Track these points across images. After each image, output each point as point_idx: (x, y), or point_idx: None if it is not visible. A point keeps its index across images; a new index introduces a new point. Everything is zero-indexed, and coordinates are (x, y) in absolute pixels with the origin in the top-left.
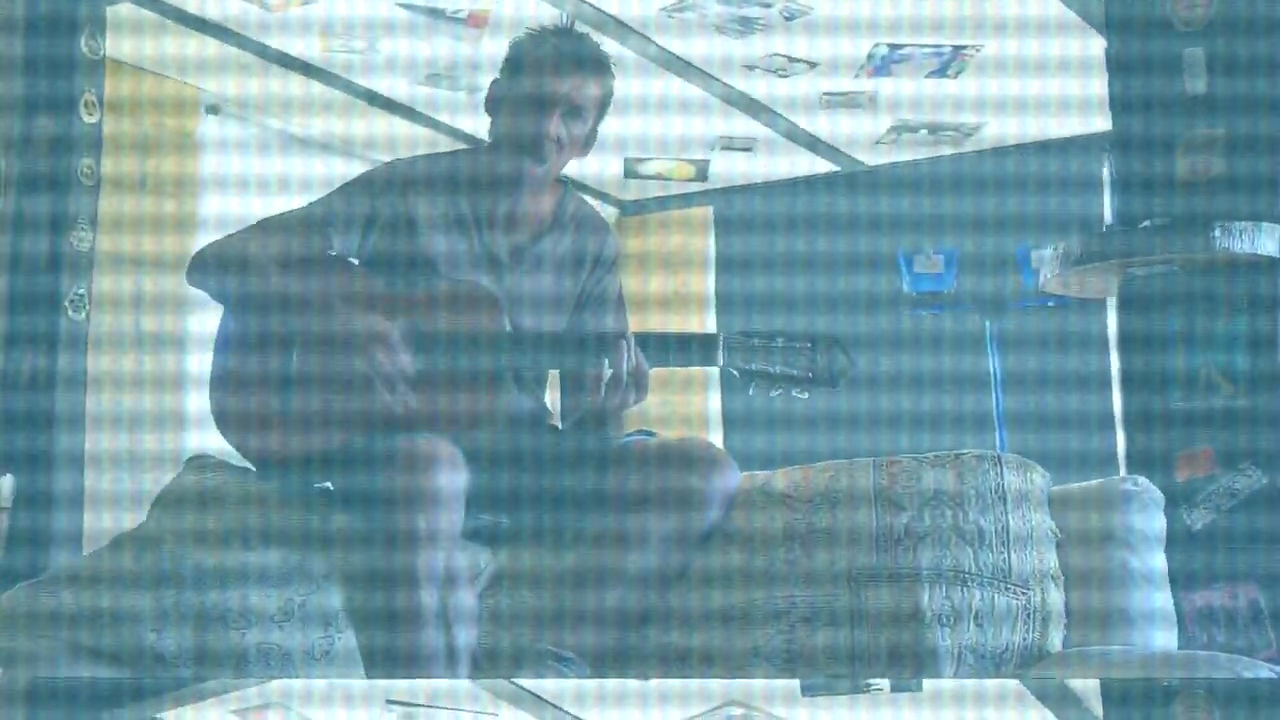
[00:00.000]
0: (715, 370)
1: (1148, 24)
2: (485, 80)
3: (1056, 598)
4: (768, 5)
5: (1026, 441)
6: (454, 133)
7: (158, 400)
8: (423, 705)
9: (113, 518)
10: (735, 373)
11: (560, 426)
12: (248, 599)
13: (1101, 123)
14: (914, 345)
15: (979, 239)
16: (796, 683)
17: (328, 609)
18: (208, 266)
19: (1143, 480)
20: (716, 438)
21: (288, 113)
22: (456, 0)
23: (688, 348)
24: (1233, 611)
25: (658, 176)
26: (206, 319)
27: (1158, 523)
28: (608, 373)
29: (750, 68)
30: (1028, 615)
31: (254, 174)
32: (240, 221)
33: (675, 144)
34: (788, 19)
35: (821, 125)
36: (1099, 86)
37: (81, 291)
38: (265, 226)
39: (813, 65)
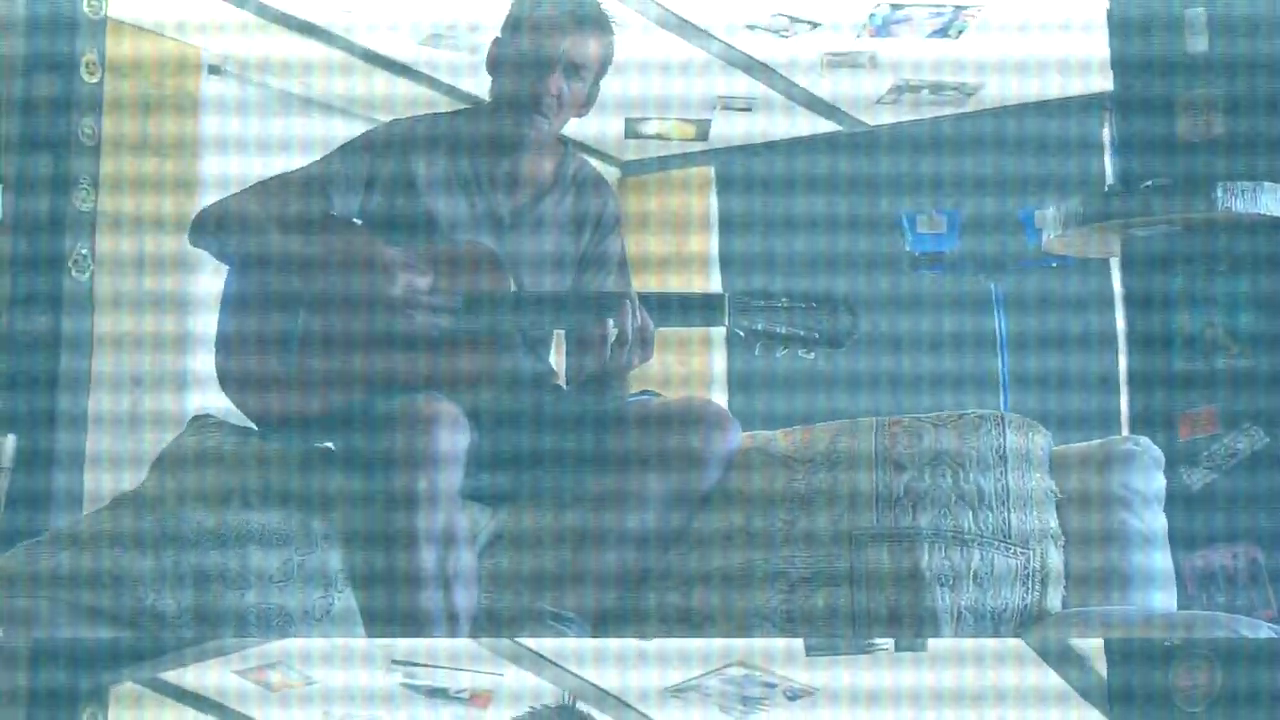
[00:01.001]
0: (720, 330)
1: None
2: (486, 40)
3: (1056, 558)
4: None
5: (1029, 401)
6: (455, 93)
7: (160, 361)
8: (425, 665)
9: (113, 479)
10: (740, 333)
11: (565, 387)
12: (247, 559)
13: (1103, 83)
14: (916, 306)
15: (981, 199)
16: (800, 642)
17: (327, 569)
18: (209, 227)
19: (1143, 440)
20: (720, 398)
21: (289, 73)
22: None
23: (692, 308)
24: (1233, 571)
25: (658, 136)
26: (209, 280)
27: (1158, 482)
28: (613, 332)
29: (752, 28)
30: (1027, 575)
31: (255, 135)
32: (242, 182)
33: (676, 104)
34: None
35: (823, 86)
36: (1100, 46)
37: (84, 251)
38: (266, 187)
39: (814, 26)
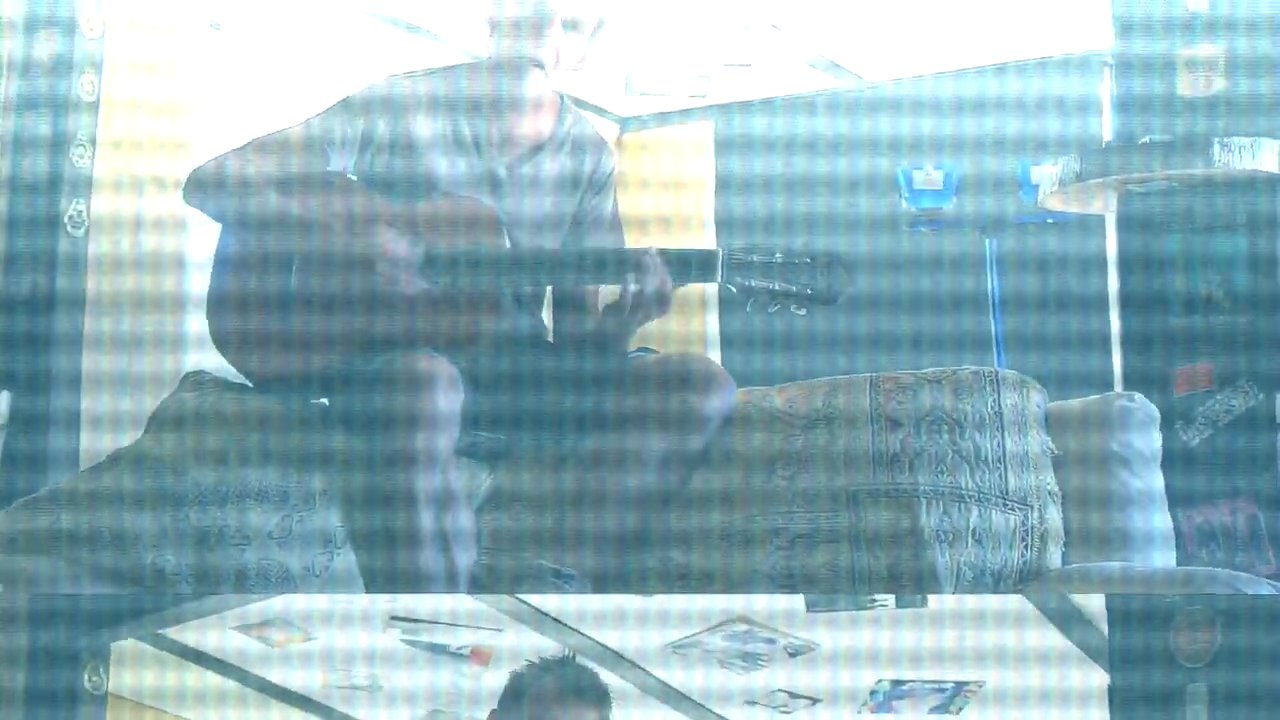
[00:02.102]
0: (714, 287)
1: None
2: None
3: (1054, 515)
4: None
5: (1024, 358)
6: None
7: (157, 321)
8: (425, 621)
9: (111, 439)
10: (733, 289)
11: (557, 344)
12: (247, 516)
13: (1102, 39)
14: (911, 263)
15: (979, 156)
16: (800, 599)
17: (327, 527)
18: (204, 185)
19: (1139, 397)
20: (714, 355)
21: (292, 30)
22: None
23: (686, 264)
24: (1231, 528)
25: (657, 93)
26: (206, 241)
27: (1154, 439)
28: (634, 289)
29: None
30: (1026, 533)
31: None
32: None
33: (675, 60)
34: None
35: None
36: (1100, 2)
37: (81, 208)
38: (262, 144)
39: (814, 701)
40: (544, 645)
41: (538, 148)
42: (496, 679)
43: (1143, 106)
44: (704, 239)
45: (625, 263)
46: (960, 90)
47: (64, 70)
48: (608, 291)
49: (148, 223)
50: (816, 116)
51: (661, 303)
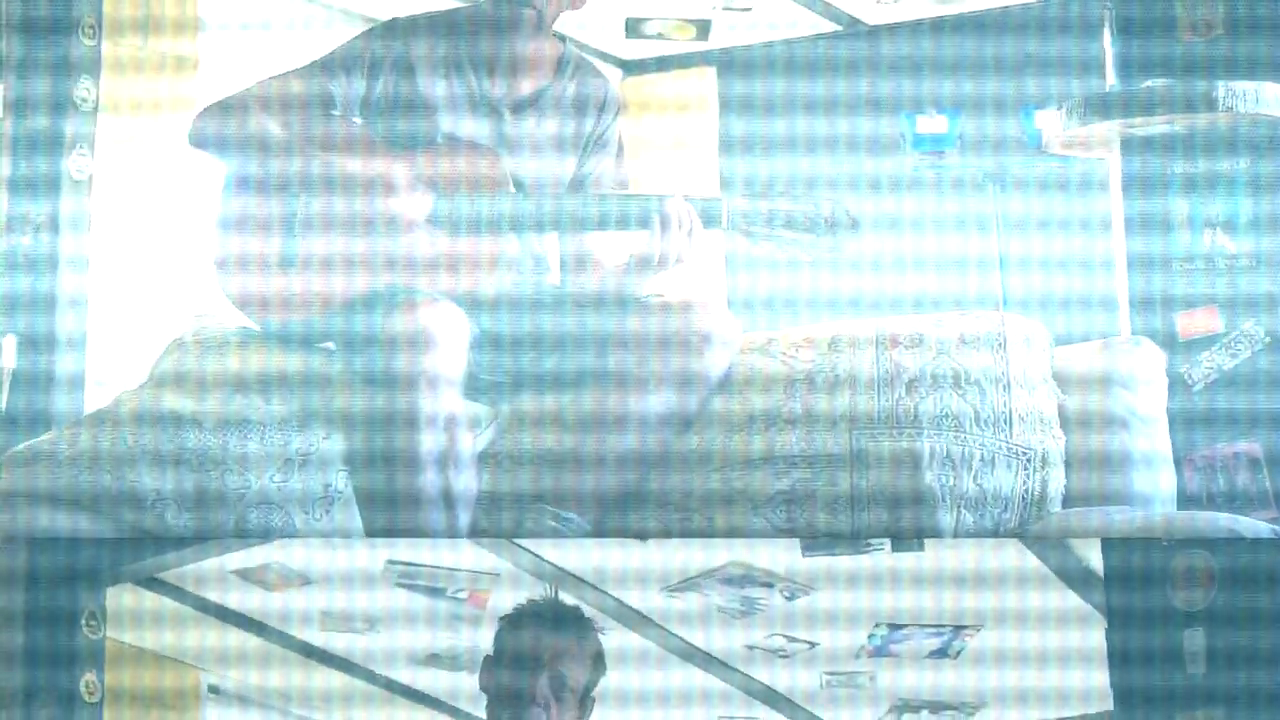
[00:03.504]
0: (718, 230)
1: None
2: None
3: (1057, 456)
4: None
5: (1028, 302)
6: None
7: (160, 271)
8: (423, 565)
9: (114, 377)
10: (738, 233)
11: (565, 289)
12: (248, 460)
13: None
14: (916, 204)
15: (982, 99)
16: (798, 542)
17: (328, 475)
18: (210, 126)
19: (1144, 341)
20: (719, 299)
21: None
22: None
23: (693, 214)
24: (1233, 470)
25: (659, 36)
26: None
27: (1158, 384)
28: (663, 233)
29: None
30: (1028, 473)
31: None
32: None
33: (676, 2)
34: None
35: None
36: None
37: (85, 152)
38: (266, 91)
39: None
40: (542, 588)
41: (541, 97)
42: (494, 622)
43: (1144, 49)
44: (707, 186)
45: (650, 210)
46: (962, 33)
47: (63, 33)
48: (616, 240)
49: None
50: (818, 60)
51: (690, 251)
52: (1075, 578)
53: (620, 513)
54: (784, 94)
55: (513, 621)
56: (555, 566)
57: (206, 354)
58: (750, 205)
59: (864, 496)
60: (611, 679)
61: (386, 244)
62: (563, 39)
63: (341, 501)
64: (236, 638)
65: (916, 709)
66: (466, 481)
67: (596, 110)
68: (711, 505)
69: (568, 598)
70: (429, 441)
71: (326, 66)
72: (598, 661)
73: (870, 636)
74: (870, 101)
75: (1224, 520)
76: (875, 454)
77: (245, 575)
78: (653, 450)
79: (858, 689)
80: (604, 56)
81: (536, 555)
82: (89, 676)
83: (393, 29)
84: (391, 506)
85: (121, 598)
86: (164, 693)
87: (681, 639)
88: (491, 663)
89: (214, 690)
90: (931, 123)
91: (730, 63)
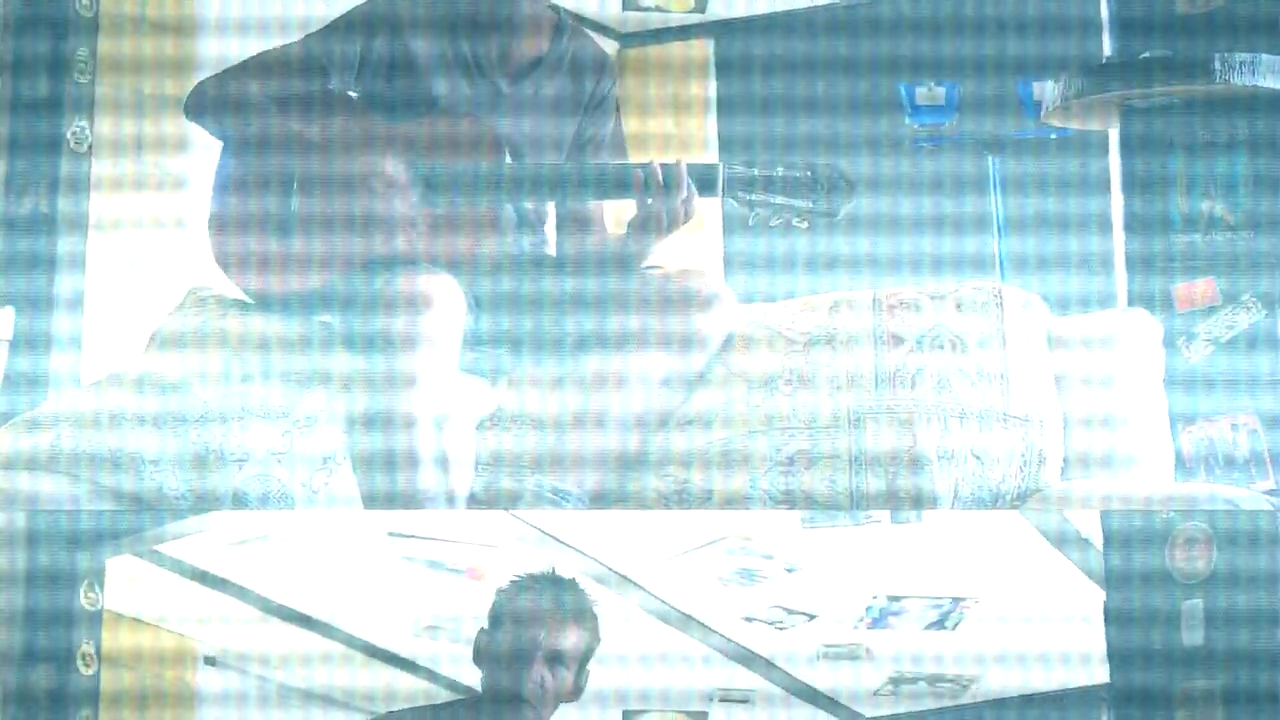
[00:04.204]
0: (716, 202)
1: None
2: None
3: (1055, 432)
4: None
5: (1026, 275)
6: (456, 686)
7: (158, 240)
8: (422, 538)
9: (113, 357)
10: (735, 202)
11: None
12: (247, 434)
13: None
14: (914, 181)
15: (980, 72)
16: (797, 515)
17: (326, 445)
18: (205, 102)
19: (1141, 313)
20: (716, 272)
21: None
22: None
23: (690, 180)
24: (1231, 445)
25: (656, 8)
26: (209, 159)
27: (1156, 356)
28: (663, 201)
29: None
30: (1026, 449)
31: (255, 15)
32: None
33: None
34: None
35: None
36: None
37: (83, 124)
38: (263, 62)
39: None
40: (540, 561)
41: (536, 64)
42: (492, 594)
43: (1142, 21)
44: (705, 156)
45: (651, 177)
46: (961, 6)
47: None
48: (614, 207)
49: (149, 142)
50: (816, 33)
51: (687, 216)
52: (1073, 549)
53: (619, 476)
54: (781, 66)
55: (510, 593)
56: (553, 538)
57: (205, 324)
58: (747, 171)
59: (863, 462)
60: (608, 650)
61: (383, 216)
62: (556, 9)
63: (340, 473)
64: (234, 608)
65: (914, 680)
66: (464, 444)
67: (594, 74)
68: (710, 469)
69: (565, 570)
70: (427, 403)
71: (322, 37)
72: (594, 634)
73: (868, 608)
74: (869, 66)
75: (1223, 493)
76: (873, 420)
77: (243, 546)
78: (653, 414)
79: (855, 660)
80: (602, 29)
81: (535, 527)
82: (86, 646)
83: (390, 12)
84: (390, 468)
85: (120, 567)
86: (160, 663)
87: (679, 610)
88: (488, 634)
89: (210, 661)
90: (930, 95)
91: (728, 31)
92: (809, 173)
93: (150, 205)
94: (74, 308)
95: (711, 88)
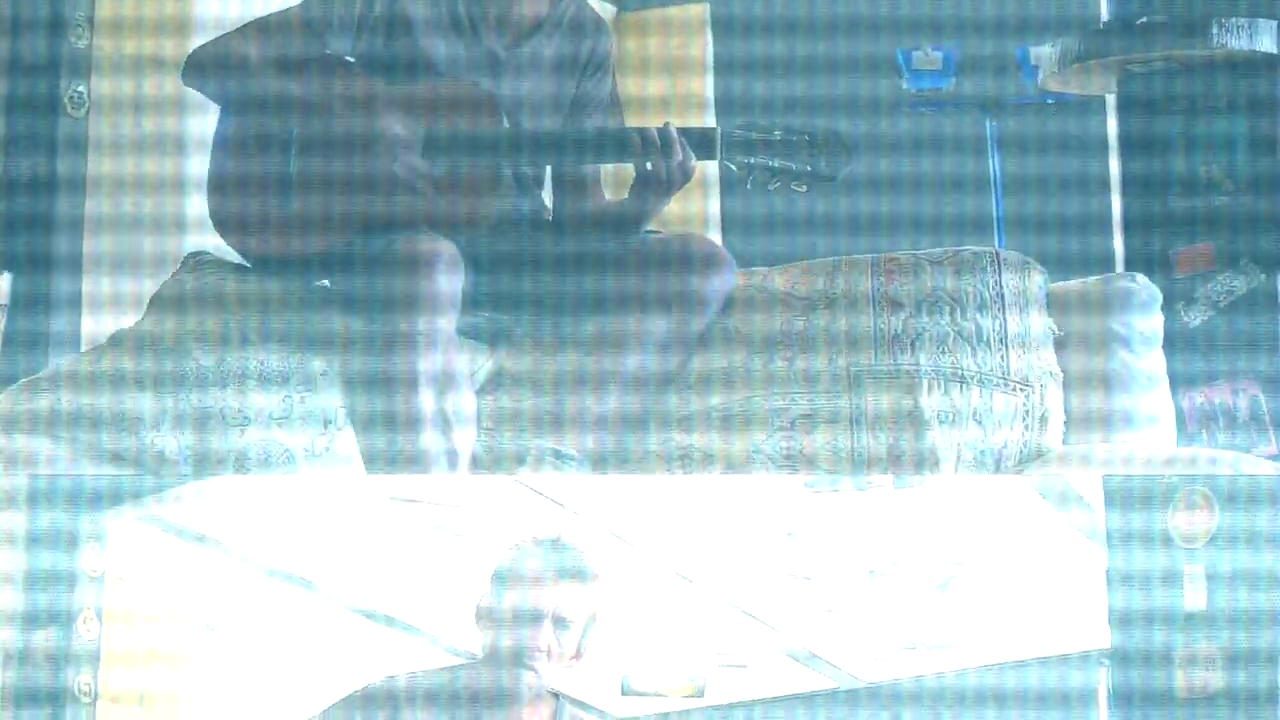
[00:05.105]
0: (713, 166)
1: None
2: None
3: (1055, 395)
4: None
5: (1025, 239)
6: None
7: (157, 202)
8: (425, 502)
9: (111, 317)
10: (733, 166)
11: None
12: (247, 397)
13: None
14: (912, 144)
15: (978, 37)
16: (800, 479)
17: (327, 407)
18: (204, 67)
19: (1141, 277)
20: (715, 236)
21: None
22: None
23: (686, 142)
24: (1232, 408)
25: None
26: (207, 120)
27: (1155, 320)
28: (663, 164)
29: None
30: (1027, 413)
31: None
32: (239, 23)
33: None
34: None
35: None
36: None
37: (81, 89)
38: (261, 26)
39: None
40: (541, 525)
41: (535, 28)
42: (493, 559)
43: None
44: (703, 119)
45: (648, 140)
46: None
47: None
48: (609, 171)
49: (148, 104)
50: None
51: (685, 177)
52: (1075, 513)
53: (620, 440)
54: (779, 29)
55: (512, 556)
56: (555, 501)
57: (204, 288)
58: (745, 135)
59: (863, 434)
60: (609, 614)
61: (382, 177)
62: None
63: (341, 435)
64: (235, 572)
65: (914, 645)
66: (465, 406)
67: (591, 37)
68: (711, 433)
69: (567, 534)
70: (427, 364)
71: (323, 8)
72: (596, 597)
73: (869, 573)
74: (867, 30)
75: (1225, 457)
76: (874, 384)
77: (245, 509)
78: (653, 376)
79: (854, 625)
80: None
81: (536, 491)
82: (87, 610)
83: None
84: (391, 429)
85: (121, 531)
86: (161, 627)
87: (680, 574)
88: (490, 597)
89: (211, 628)
90: (927, 60)
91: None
92: (807, 136)
93: (148, 167)
94: (72, 270)
95: (709, 51)
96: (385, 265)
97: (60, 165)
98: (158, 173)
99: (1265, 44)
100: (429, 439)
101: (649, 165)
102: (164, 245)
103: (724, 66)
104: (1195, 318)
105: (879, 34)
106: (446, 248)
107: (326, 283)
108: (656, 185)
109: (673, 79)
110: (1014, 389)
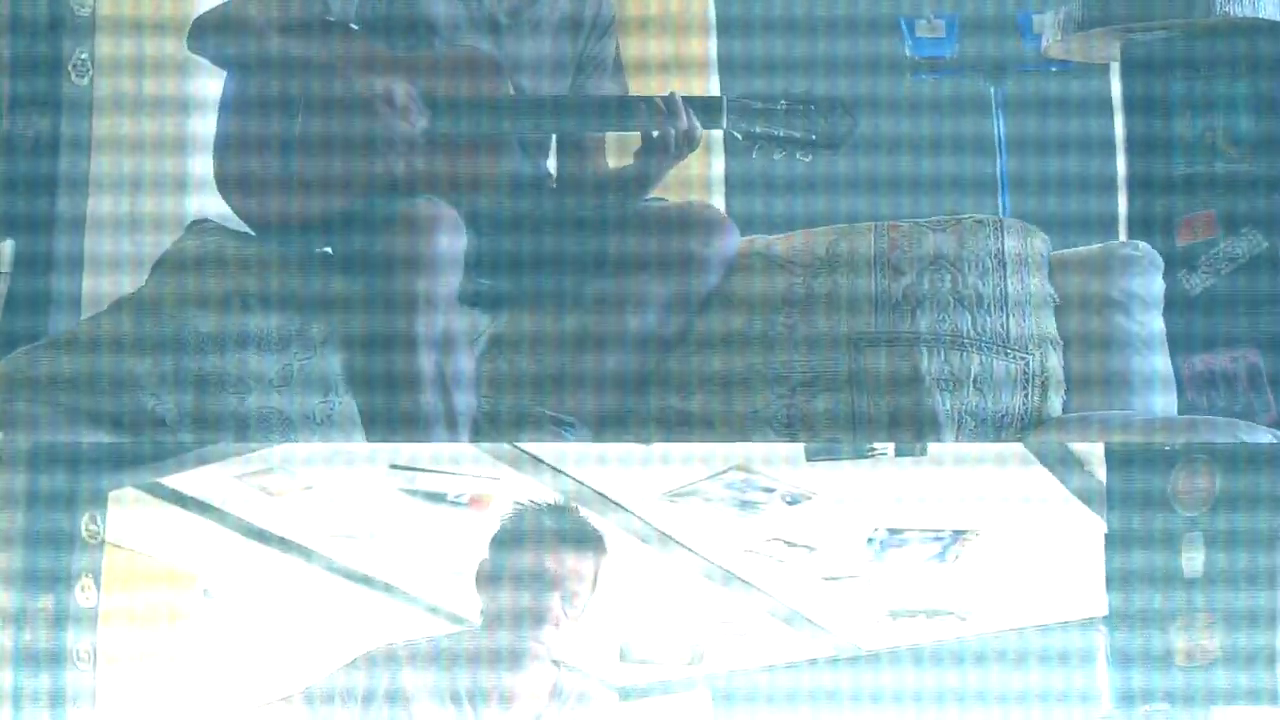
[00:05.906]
0: (717, 134)
1: None
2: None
3: (1056, 362)
4: None
5: (1027, 206)
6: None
7: (159, 164)
8: (424, 470)
9: (113, 282)
10: (738, 135)
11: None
12: (247, 363)
13: None
14: (915, 110)
15: (980, 4)
16: (800, 447)
17: (327, 373)
18: (208, 32)
19: (1142, 244)
20: (718, 202)
21: None
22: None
23: (691, 111)
24: (1232, 376)
25: None
26: (210, 83)
27: (1157, 287)
28: (669, 131)
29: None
30: (1027, 380)
31: None
32: None
33: None
34: None
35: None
36: None
37: (84, 56)
38: None
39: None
40: (542, 492)
41: None
42: (494, 528)
43: None
44: (705, 82)
45: (655, 108)
46: None
47: None
48: (612, 137)
49: (150, 66)
50: None
51: (691, 145)
52: (1075, 482)
53: (620, 404)
54: None
55: (513, 521)
56: (554, 468)
57: (206, 253)
58: (750, 103)
59: (864, 400)
60: (607, 580)
61: (385, 140)
62: None
63: (341, 399)
64: (235, 542)
65: (913, 613)
66: (465, 367)
67: (593, 15)
68: (712, 397)
69: (567, 500)
70: (427, 327)
71: None
72: (596, 563)
73: (869, 541)
74: (868, 5)
75: (1225, 424)
76: (874, 350)
77: (245, 480)
78: (654, 341)
79: (854, 593)
80: None
81: (536, 457)
82: (86, 578)
83: None
84: (391, 392)
85: (121, 498)
86: (160, 594)
87: (679, 541)
88: (490, 561)
89: (209, 594)
90: (930, 27)
91: None
92: (812, 105)
93: (151, 129)
94: (75, 231)
95: (710, 11)
96: (386, 228)
97: (63, 130)
98: (159, 134)
99: (1267, 10)
100: (428, 400)
101: (655, 132)
102: (165, 208)
103: (726, 28)
104: (1197, 285)
105: (881, 2)
106: (448, 211)
107: (329, 250)
108: (662, 152)
109: (674, 41)
110: (1015, 355)
